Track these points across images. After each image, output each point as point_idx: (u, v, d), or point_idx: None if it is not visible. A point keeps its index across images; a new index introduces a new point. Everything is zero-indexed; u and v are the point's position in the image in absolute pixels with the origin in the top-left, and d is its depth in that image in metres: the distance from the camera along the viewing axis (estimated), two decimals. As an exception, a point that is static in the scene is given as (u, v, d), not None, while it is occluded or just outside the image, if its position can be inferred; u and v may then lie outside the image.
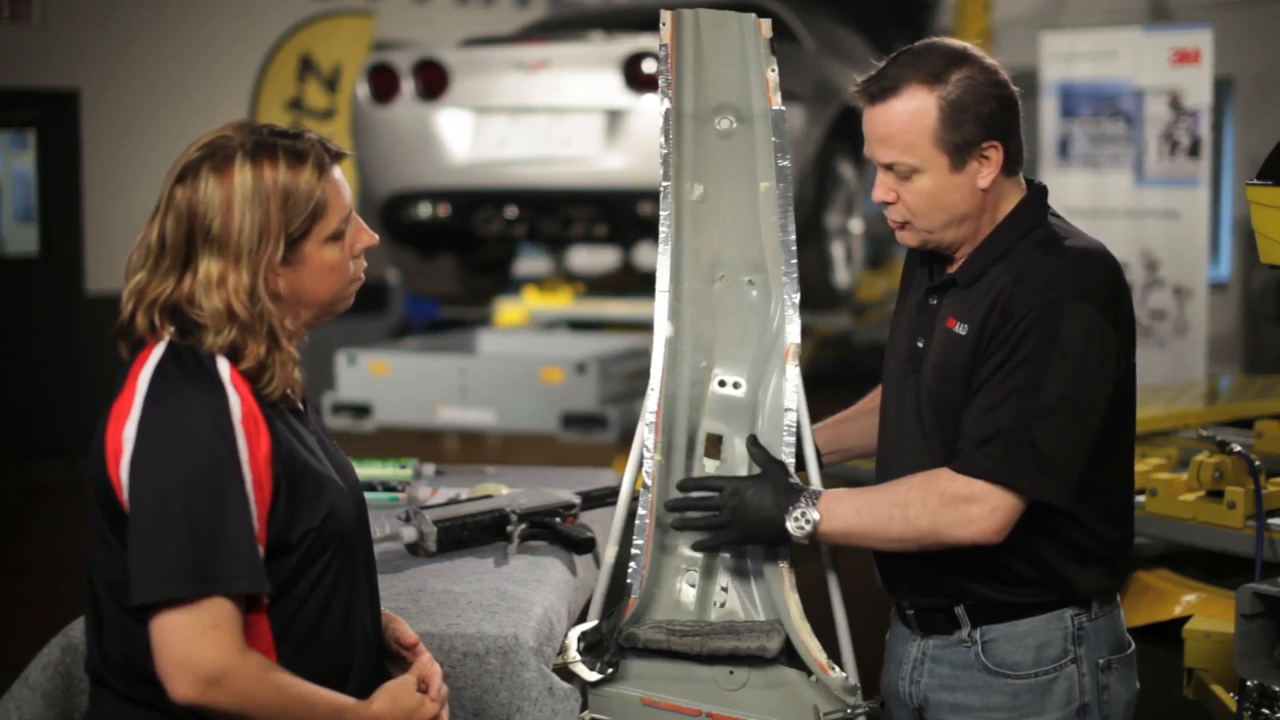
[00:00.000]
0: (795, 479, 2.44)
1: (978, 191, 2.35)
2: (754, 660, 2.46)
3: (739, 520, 2.39)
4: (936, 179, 2.33)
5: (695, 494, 2.45)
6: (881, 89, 2.33)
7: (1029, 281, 2.30)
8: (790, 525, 2.36)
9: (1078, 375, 2.26)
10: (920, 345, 2.43)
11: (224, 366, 1.92)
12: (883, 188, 2.37)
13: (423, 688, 2.07)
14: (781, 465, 2.46)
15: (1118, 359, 2.32)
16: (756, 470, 2.47)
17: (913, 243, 2.41)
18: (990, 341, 2.30)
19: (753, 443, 2.50)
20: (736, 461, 2.56)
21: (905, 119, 2.31)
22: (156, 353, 1.93)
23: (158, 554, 1.83)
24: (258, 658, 1.87)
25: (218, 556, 1.84)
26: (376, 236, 2.08)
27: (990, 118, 2.32)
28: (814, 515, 2.35)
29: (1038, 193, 2.43)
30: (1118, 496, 2.44)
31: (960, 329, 2.35)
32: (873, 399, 2.68)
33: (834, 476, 2.94)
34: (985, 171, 2.34)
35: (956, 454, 2.30)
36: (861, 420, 2.69)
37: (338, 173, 2.02)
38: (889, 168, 2.35)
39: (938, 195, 2.34)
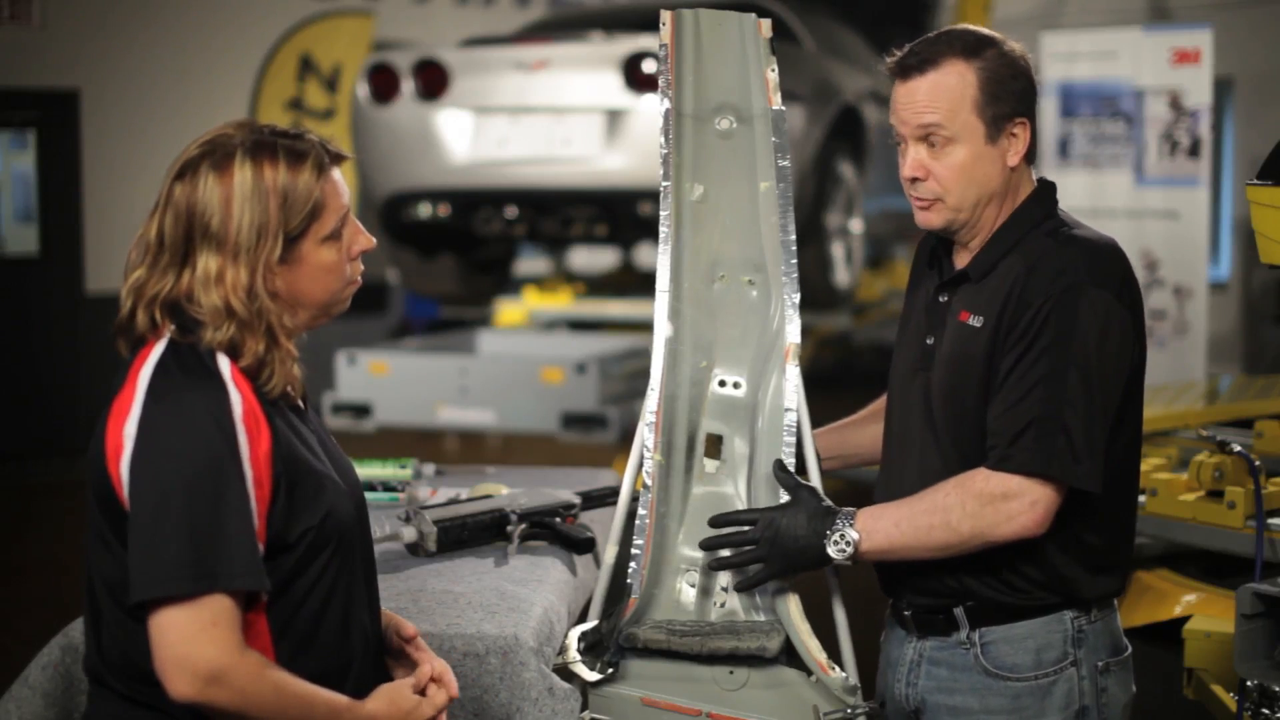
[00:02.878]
0: (827, 501, 2.41)
1: (1006, 169, 2.36)
2: (754, 660, 2.45)
3: (778, 552, 2.36)
4: (972, 150, 2.34)
5: (728, 530, 2.43)
6: (920, 61, 2.35)
7: (1043, 270, 2.31)
8: (831, 550, 2.33)
9: (1099, 361, 2.27)
10: (930, 343, 2.43)
11: (225, 364, 1.92)
12: (914, 163, 2.37)
13: (420, 688, 2.07)
14: (810, 489, 2.42)
15: (1133, 346, 2.34)
16: (783, 495, 2.43)
17: (936, 224, 2.39)
18: (1009, 333, 2.30)
19: (779, 468, 2.47)
20: (736, 461, 2.56)
21: (947, 87, 2.33)
22: (157, 350, 1.93)
23: (157, 551, 1.83)
24: (256, 656, 1.87)
25: (217, 553, 1.84)
26: (374, 240, 2.08)
27: (1022, 95, 2.36)
28: (853, 535, 2.32)
29: (1046, 187, 2.45)
30: (1125, 495, 2.43)
31: (975, 321, 2.35)
32: (877, 405, 2.67)
33: (836, 479, 2.93)
34: (1014, 149, 2.36)
35: (988, 451, 2.29)
36: (866, 426, 2.68)
37: (336, 174, 2.02)
38: (924, 139, 2.35)
39: (972, 167, 2.34)
